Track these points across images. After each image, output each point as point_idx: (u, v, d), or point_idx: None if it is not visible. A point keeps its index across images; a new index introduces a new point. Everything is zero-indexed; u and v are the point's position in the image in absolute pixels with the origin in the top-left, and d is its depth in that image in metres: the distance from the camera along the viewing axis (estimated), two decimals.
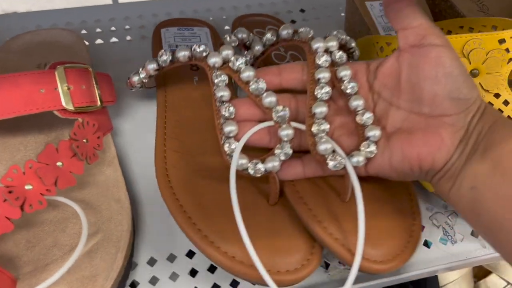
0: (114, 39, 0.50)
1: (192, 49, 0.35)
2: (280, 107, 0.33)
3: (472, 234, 0.40)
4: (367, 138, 0.32)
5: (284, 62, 0.46)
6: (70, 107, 0.33)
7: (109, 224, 0.34)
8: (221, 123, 0.33)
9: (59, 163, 0.32)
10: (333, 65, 0.35)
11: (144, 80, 0.38)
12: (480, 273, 0.65)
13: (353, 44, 0.40)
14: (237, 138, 0.33)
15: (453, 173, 0.30)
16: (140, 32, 0.52)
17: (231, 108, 0.33)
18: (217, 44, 0.47)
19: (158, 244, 0.37)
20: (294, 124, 0.34)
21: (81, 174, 0.33)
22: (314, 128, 0.33)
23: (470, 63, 0.38)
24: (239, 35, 0.39)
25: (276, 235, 0.32)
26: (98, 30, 0.51)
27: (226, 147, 0.33)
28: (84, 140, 0.34)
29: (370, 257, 0.31)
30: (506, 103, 0.38)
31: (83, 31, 0.50)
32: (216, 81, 0.34)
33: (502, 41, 0.38)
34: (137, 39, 0.51)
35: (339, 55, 0.35)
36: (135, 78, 0.38)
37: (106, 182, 0.37)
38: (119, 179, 0.37)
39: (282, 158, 0.33)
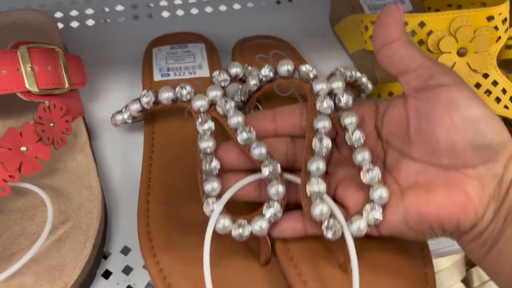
0: (90, 22, 0.49)
1: (176, 91, 0.32)
2: (269, 161, 0.29)
3: None
4: (372, 201, 0.28)
5: (288, 93, 0.41)
6: (35, 89, 0.32)
7: (79, 212, 0.33)
8: (202, 180, 0.29)
9: (23, 148, 0.31)
10: (338, 109, 0.31)
11: (128, 121, 0.36)
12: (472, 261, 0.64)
13: (364, 80, 0.35)
14: (221, 194, 0.29)
15: (488, 238, 0.26)
16: (118, 15, 0.50)
17: (214, 163, 0.29)
18: (214, 61, 0.44)
19: (132, 233, 0.35)
20: (288, 176, 0.30)
21: (47, 159, 0.32)
22: (309, 189, 0.28)
23: (457, 42, 0.36)
24: (232, 70, 0.34)
25: None
26: (74, 12, 0.49)
27: (206, 208, 0.28)
28: (51, 124, 0.32)
29: None
30: (495, 83, 0.37)
31: (58, 13, 0.48)
32: (200, 130, 0.31)
33: (490, 18, 0.36)
34: (115, 21, 0.49)
35: (345, 99, 0.31)
36: (119, 118, 0.36)
37: (77, 168, 0.35)
38: (91, 166, 0.36)
39: (272, 219, 0.28)
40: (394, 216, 0.27)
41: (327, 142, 0.29)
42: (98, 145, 0.40)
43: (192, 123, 0.38)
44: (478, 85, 0.36)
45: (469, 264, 0.64)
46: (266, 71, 0.33)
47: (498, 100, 0.36)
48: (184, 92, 0.32)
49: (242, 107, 0.37)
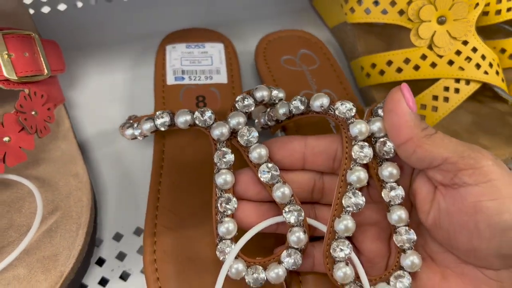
0: (62, 6, 0.47)
1: (195, 116, 0.29)
2: (292, 206, 0.27)
3: None
4: (402, 267, 0.26)
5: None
6: (13, 76, 0.31)
7: (68, 201, 0.32)
8: (217, 221, 0.27)
9: (6, 138, 0.30)
10: (377, 157, 0.27)
11: (139, 137, 0.32)
12: None
13: None
14: (241, 222, 0.27)
15: None
16: None
17: (231, 203, 0.28)
18: (233, 66, 0.41)
19: (123, 219, 0.35)
20: (311, 222, 0.28)
21: (32, 149, 0.31)
22: (334, 252, 0.26)
23: (436, 10, 0.36)
24: (258, 94, 0.29)
25: None
26: None
27: (218, 251, 0.27)
28: (33, 113, 0.31)
29: None
30: (474, 50, 0.37)
31: None
32: (218, 163, 0.28)
33: None
34: (87, 4, 0.48)
35: (388, 147, 0.27)
36: (129, 132, 0.32)
37: (62, 157, 0.34)
38: (75, 153, 0.35)
39: (290, 268, 0.27)
40: None
41: (360, 200, 0.27)
42: (81, 133, 0.39)
43: (206, 136, 0.34)
44: (458, 53, 0.37)
45: None
46: (297, 103, 0.29)
47: (478, 66, 0.37)
48: (203, 117, 0.29)
49: (266, 127, 0.33)
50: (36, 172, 0.33)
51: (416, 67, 0.37)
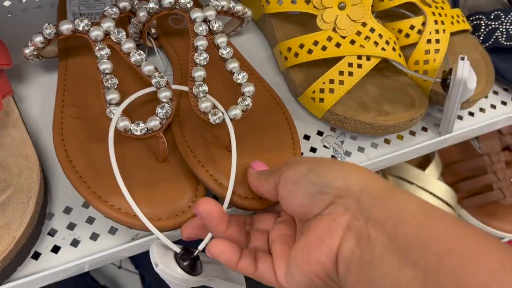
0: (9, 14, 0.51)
1: (75, 23, 0.37)
2: (157, 74, 0.37)
3: (359, 149, 0.45)
4: (243, 94, 0.37)
5: (182, 25, 0.49)
6: None
7: (19, 179, 0.36)
8: (104, 92, 0.36)
9: None
10: (212, 33, 0.39)
11: (34, 52, 0.40)
12: None
13: (239, 8, 0.44)
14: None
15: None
16: (35, 3, 0.53)
17: (113, 80, 0.36)
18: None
19: (72, 194, 0.39)
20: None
21: None
22: (195, 90, 0.36)
23: None
24: (121, 5, 0.40)
25: (162, 187, 0.36)
26: None
27: (109, 114, 0.36)
28: None
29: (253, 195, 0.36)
30: (372, 30, 0.43)
31: None
32: (98, 54, 0.37)
33: None
34: (32, 9, 0.52)
35: (217, 25, 0.39)
36: (26, 51, 0.41)
37: (13, 142, 0.38)
38: (25, 138, 0.39)
39: (163, 117, 0.36)
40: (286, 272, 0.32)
41: (205, 55, 0.37)
42: (31, 122, 0.43)
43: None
44: (358, 33, 0.43)
45: None
46: (152, 4, 0.40)
47: (376, 44, 0.43)
48: (82, 24, 0.37)
49: (138, 39, 0.45)
50: None
51: (324, 48, 0.43)
